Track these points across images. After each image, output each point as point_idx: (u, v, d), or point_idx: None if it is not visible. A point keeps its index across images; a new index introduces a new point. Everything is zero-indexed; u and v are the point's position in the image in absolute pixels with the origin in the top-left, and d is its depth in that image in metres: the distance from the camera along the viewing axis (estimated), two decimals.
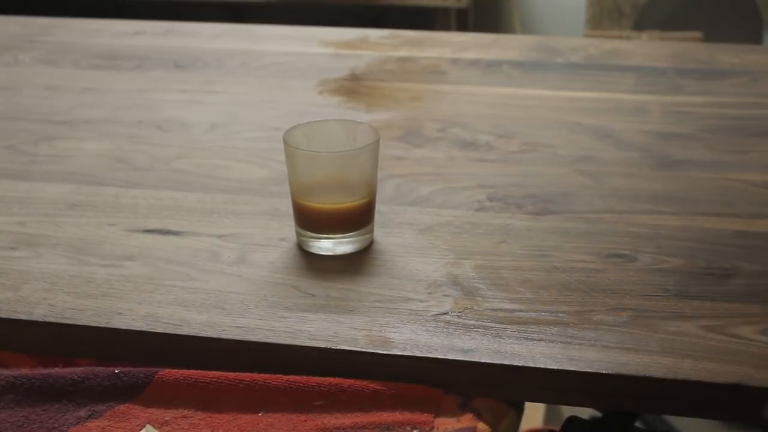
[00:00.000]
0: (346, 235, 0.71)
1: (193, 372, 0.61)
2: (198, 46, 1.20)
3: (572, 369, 0.59)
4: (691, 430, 1.27)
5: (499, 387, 0.60)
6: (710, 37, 2.60)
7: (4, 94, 1.06)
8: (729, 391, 0.58)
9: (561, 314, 0.64)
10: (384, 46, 1.19)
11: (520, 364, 0.60)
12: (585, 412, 0.83)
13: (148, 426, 0.58)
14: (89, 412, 0.59)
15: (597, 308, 0.65)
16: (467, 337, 0.62)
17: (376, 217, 0.74)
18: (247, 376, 0.60)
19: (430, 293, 0.67)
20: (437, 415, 0.58)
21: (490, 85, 1.07)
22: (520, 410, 0.63)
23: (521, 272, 0.69)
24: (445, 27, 2.88)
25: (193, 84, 1.08)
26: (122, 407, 0.60)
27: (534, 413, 1.46)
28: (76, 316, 0.65)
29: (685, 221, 0.76)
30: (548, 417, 1.45)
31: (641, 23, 2.89)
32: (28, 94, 1.06)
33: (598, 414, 0.80)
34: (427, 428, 0.57)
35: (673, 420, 1.31)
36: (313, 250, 0.72)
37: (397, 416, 0.57)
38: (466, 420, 0.58)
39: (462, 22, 2.92)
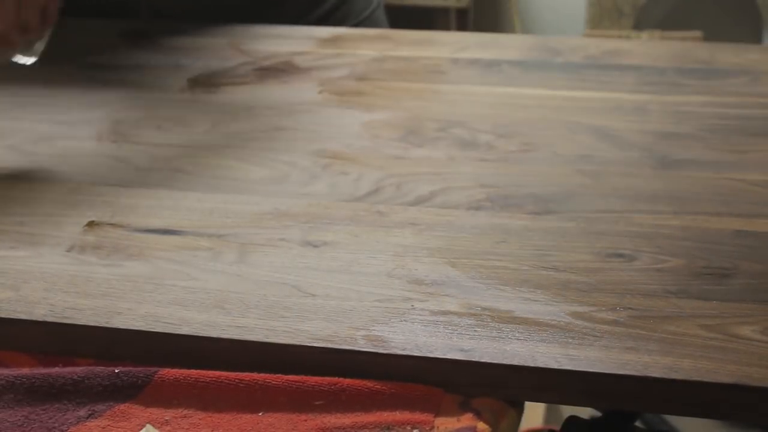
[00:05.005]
0: None
1: (193, 372, 0.61)
2: (198, 45, 1.20)
3: (572, 369, 0.59)
4: (691, 430, 1.27)
5: (499, 387, 0.60)
6: (710, 36, 2.60)
7: (5, 93, 1.06)
8: (729, 391, 0.58)
9: (561, 314, 0.64)
10: (384, 45, 1.19)
11: (520, 364, 0.60)
12: (585, 412, 0.83)
13: (148, 425, 0.58)
14: (89, 412, 0.59)
15: (597, 308, 0.65)
16: (467, 336, 0.62)
17: (377, 217, 0.74)
18: (247, 375, 0.60)
19: (430, 293, 0.67)
20: (437, 414, 0.58)
21: (490, 84, 1.07)
22: (520, 410, 0.63)
23: (521, 272, 0.69)
24: (445, 27, 2.88)
25: (193, 83, 1.08)
26: (122, 407, 0.60)
27: (534, 413, 1.46)
28: (76, 315, 0.66)
29: (685, 221, 0.76)
30: (548, 417, 1.45)
31: (641, 23, 2.89)
32: (27, 94, 1.06)
33: (598, 414, 0.80)
34: (428, 428, 0.57)
35: (673, 420, 1.31)
36: None
37: (397, 416, 0.58)
38: (467, 419, 0.58)
39: (462, 21, 2.92)
